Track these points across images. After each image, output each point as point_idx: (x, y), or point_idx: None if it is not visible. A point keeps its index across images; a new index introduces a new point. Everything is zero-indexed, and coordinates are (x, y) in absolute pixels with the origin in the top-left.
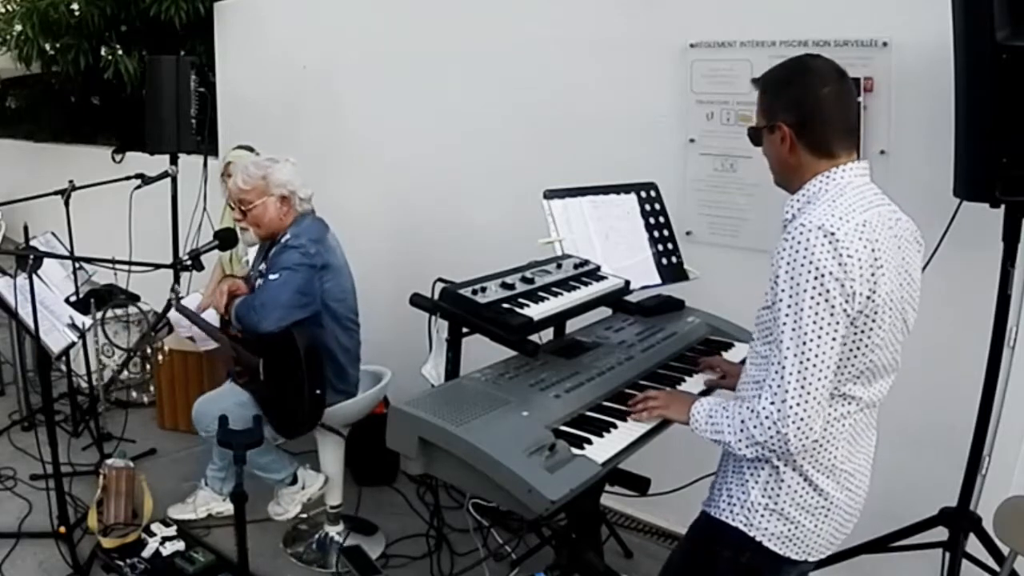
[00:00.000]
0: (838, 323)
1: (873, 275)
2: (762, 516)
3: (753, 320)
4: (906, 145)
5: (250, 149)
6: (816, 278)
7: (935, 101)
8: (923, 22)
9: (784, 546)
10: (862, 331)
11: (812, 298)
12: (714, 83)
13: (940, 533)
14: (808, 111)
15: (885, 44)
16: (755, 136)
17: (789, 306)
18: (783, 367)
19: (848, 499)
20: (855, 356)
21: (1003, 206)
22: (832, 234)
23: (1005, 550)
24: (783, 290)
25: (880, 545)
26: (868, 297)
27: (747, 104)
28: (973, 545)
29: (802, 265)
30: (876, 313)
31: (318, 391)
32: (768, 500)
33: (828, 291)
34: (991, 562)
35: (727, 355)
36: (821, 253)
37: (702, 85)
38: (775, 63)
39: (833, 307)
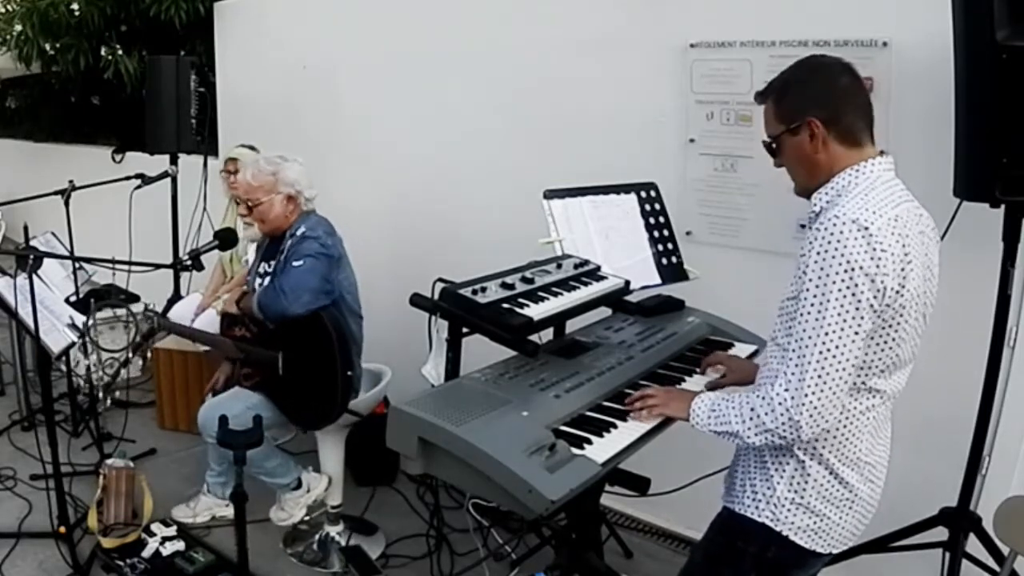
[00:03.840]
0: (863, 317)
1: (903, 270)
2: (788, 510)
3: (752, 320)
4: (906, 145)
5: (252, 148)
6: (846, 271)
7: (935, 101)
8: (923, 22)
9: (811, 539)
10: (890, 325)
11: (839, 290)
12: (714, 83)
13: (940, 533)
14: (835, 101)
15: (885, 44)
16: (776, 145)
17: (815, 295)
18: (803, 356)
19: (870, 491)
20: (882, 350)
21: (1003, 206)
22: (866, 228)
23: (1005, 550)
24: (811, 279)
25: (880, 545)
26: (897, 292)
27: (747, 104)
28: (973, 545)
29: (833, 257)
30: (903, 308)
31: (349, 372)
32: (794, 494)
33: (856, 285)
34: (991, 562)
35: (726, 352)
36: (854, 246)
37: (702, 85)
38: (775, 63)
39: (859, 301)
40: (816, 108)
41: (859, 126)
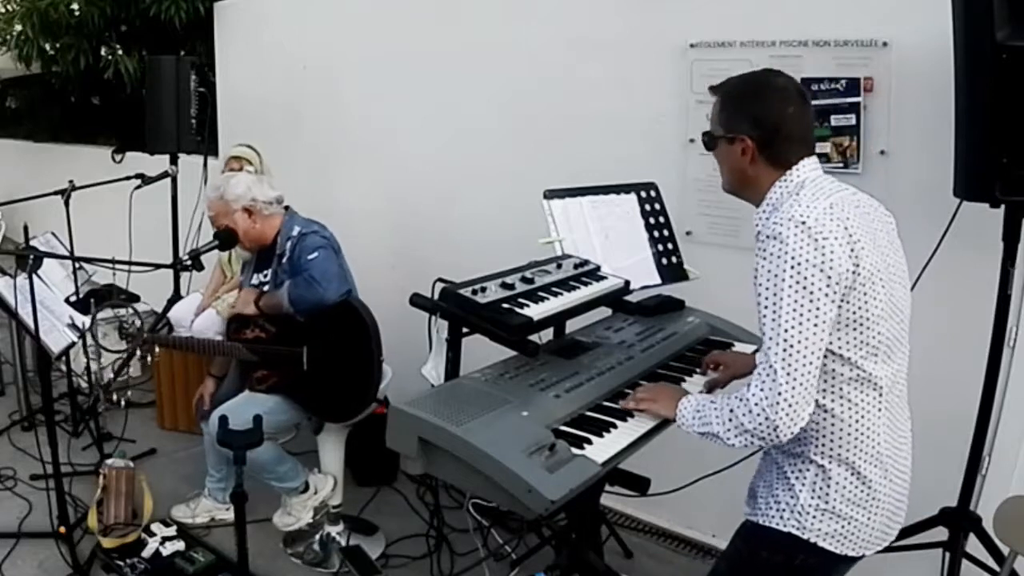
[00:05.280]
0: (819, 308)
1: (852, 250)
2: (814, 517)
3: (752, 320)
4: (906, 145)
5: (248, 147)
6: (793, 267)
7: (935, 101)
8: (923, 22)
9: (840, 544)
10: (859, 306)
11: (790, 286)
12: (714, 83)
13: (940, 533)
14: (773, 127)
15: (885, 44)
16: (711, 142)
17: (767, 298)
18: (768, 357)
19: (895, 488)
20: (861, 333)
21: (1003, 206)
22: (803, 223)
23: (1005, 550)
24: (762, 284)
25: None
26: (853, 272)
27: None
28: (973, 545)
29: (779, 258)
30: (865, 285)
31: (382, 357)
32: (818, 500)
33: (806, 278)
34: (991, 562)
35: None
36: (796, 242)
37: (702, 85)
38: (775, 63)
39: (812, 293)
40: (751, 129)
41: (793, 151)
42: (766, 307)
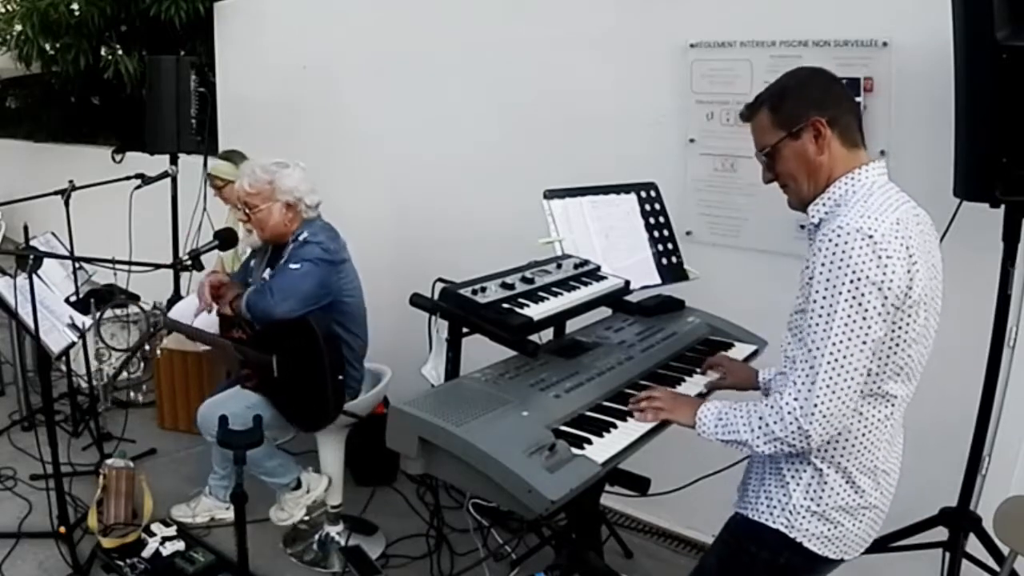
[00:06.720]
0: (870, 327)
1: (909, 271)
2: (804, 518)
3: (752, 320)
4: (906, 145)
5: (227, 158)
6: (852, 281)
7: (935, 101)
8: (923, 22)
9: (824, 546)
10: (900, 327)
11: (846, 300)
12: (714, 83)
13: (940, 533)
14: (834, 102)
15: (885, 44)
16: (772, 153)
17: (823, 307)
18: (812, 366)
19: (883, 499)
20: (894, 353)
21: (1003, 206)
22: (870, 236)
23: (1005, 550)
24: (817, 291)
25: (880, 545)
26: (906, 295)
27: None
28: (973, 545)
29: (839, 268)
30: (912, 308)
31: (340, 376)
32: (810, 502)
33: (863, 295)
34: (991, 562)
35: (728, 355)
36: (860, 256)
37: (702, 85)
38: (775, 63)
39: (867, 311)
40: (817, 110)
41: (854, 127)
42: (819, 315)
